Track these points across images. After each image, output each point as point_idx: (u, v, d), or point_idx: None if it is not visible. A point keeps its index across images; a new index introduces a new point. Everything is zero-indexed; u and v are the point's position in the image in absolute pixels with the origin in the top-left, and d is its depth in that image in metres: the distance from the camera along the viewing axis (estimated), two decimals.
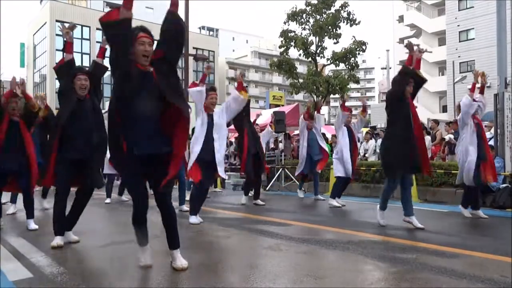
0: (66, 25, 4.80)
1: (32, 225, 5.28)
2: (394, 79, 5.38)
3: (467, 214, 6.04)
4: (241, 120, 7.62)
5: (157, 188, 3.25)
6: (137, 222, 3.24)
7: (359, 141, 7.80)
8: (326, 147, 8.81)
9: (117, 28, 2.98)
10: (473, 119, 6.01)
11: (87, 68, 4.81)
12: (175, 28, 3.19)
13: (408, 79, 5.11)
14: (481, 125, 6.19)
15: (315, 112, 8.84)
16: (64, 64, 4.51)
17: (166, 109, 3.18)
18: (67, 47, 4.55)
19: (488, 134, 9.74)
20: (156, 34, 3.14)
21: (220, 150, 5.61)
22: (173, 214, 3.39)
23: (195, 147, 5.39)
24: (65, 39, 4.54)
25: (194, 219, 5.52)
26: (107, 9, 51.21)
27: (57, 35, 46.63)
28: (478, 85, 6.26)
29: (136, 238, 3.28)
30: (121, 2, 3.30)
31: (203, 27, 64.85)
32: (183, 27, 3.29)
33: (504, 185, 7.36)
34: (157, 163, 3.21)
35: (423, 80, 5.42)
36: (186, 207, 6.84)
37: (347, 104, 8.23)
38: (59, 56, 46.75)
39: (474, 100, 6.00)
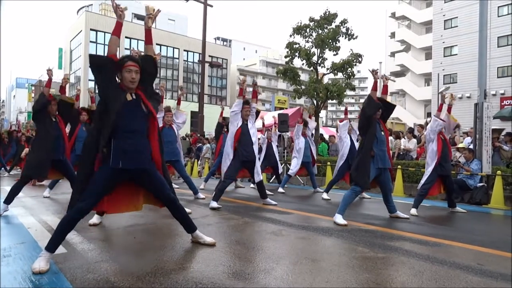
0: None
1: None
2: (362, 107, 5.03)
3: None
4: (221, 129, 8.33)
5: (160, 194, 3.24)
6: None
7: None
8: (314, 153, 8.66)
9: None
10: (440, 135, 5.83)
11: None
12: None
13: (375, 108, 4.90)
14: (447, 141, 5.95)
15: (308, 117, 8.78)
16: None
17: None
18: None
19: (468, 139, 9.66)
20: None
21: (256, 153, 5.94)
22: (180, 206, 3.39)
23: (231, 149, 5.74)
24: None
25: (214, 204, 5.65)
26: (136, 20, 51.32)
27: (91, 41, 46.94)
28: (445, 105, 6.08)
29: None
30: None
31: (218, 38, 64.77)
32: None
33: (481, 184, 7.29)
34: (142, 175, 3.13)
35: (391, 105, 5.29)
36: (201, 195, 6.85)
37: (343, 108, 8.16)
38: None
39: (440, 119, 5.84)
